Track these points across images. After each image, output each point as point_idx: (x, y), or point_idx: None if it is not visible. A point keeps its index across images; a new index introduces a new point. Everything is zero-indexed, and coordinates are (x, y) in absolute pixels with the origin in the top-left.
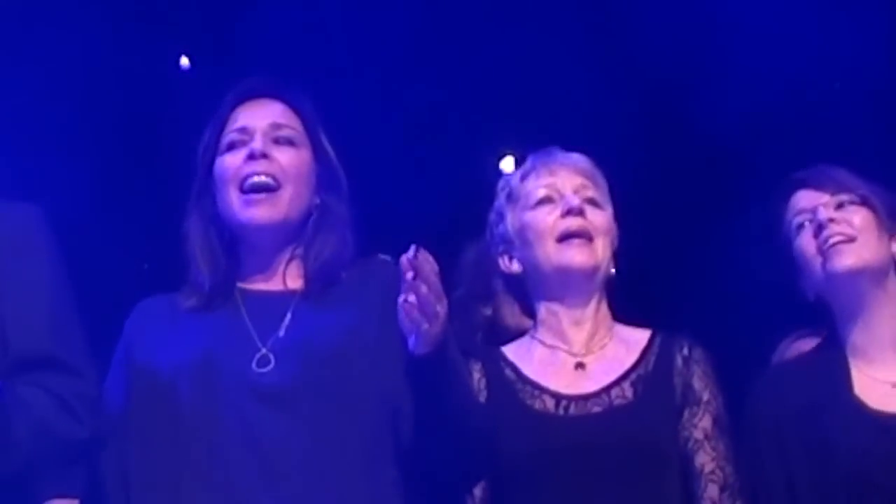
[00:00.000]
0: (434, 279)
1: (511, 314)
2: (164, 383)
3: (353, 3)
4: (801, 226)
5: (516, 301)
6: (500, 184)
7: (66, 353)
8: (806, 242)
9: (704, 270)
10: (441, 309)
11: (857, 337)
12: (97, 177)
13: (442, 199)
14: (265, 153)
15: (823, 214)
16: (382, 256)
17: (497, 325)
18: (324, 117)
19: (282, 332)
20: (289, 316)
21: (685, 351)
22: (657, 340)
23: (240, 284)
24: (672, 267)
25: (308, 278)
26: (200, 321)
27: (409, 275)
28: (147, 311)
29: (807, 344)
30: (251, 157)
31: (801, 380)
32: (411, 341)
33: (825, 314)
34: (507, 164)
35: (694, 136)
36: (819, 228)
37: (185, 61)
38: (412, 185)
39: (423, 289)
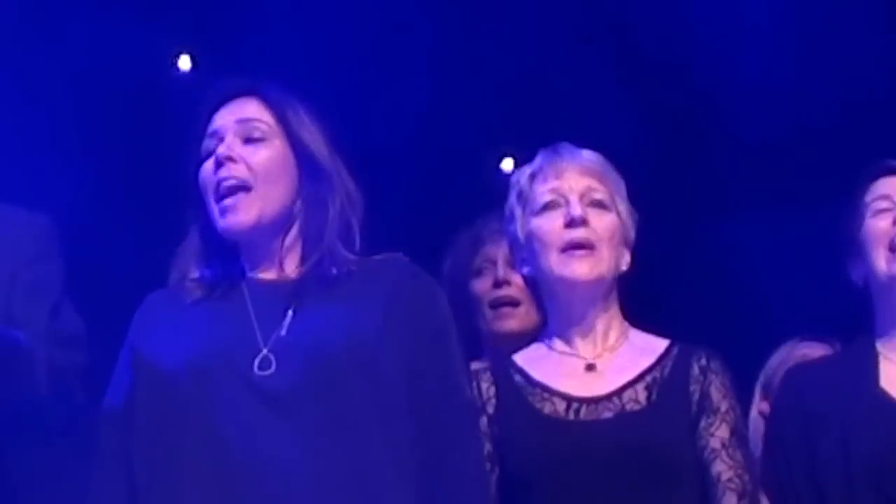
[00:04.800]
0: None
1: (485, 318)
2: (167, 380)
3: (354, 3)
4: (880, 210)
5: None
6: (512, 179)
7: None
8: (879, 228)
9: (704, 273)
10: None
11: None
12: (97, 177)
13: (442, 199)
14: (230, 156)
15: None
16: (387, 255)
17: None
18: (318, 111)
19: (283, 331)
20: (290, 314)
21: (703, 361)
22: (675, 350)
23: (247, 274)
24: (672, 269)
25: (308, 264)
26: (205, 313)
27: None
28: (154, 304)
29: (810, 348)
30: (218, 164)
31: (827, 376)
32: None
33: (866, 300)
34: (507, 164)
35: (695, 137)
36: None
37: (185, 62)
38: (412, 185)
39: None
